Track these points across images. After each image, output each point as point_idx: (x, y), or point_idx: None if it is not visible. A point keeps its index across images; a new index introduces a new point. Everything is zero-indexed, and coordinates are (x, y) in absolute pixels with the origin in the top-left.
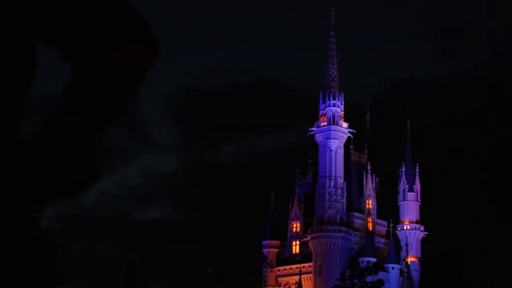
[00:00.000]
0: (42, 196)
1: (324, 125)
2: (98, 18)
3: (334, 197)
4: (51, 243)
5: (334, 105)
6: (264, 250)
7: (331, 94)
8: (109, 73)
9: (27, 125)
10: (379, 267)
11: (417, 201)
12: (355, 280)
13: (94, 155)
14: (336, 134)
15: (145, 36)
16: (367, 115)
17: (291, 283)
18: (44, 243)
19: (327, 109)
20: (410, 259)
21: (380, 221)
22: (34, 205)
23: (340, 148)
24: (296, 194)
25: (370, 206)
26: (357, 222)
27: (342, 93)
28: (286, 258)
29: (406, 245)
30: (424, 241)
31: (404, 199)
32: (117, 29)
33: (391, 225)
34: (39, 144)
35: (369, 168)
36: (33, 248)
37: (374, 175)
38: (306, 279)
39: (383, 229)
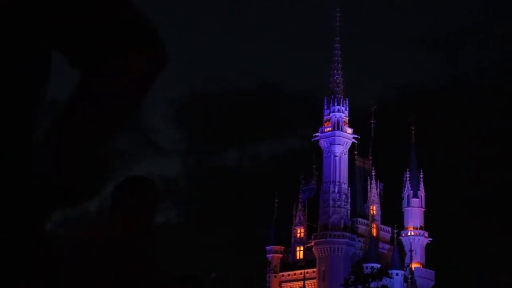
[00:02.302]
0: (49, 203)
1: (329, 131)
2: (107, 25)
3: (338, 202)
4: (55, 248)
5: (338, 111)
6: (268, 256)
7: (336, 100)
8: (116, 79)
9: (34, 131)
10: (383, 273)
11: (422, 207)
12: (359, 286)
13: (101, 161)
14: (340, 140)
15: (154, 44)
16: (372, 121)
17: None
18: (48, 247)
19: (331, 114)
20: (414, 265)
21: (384, 227)
22: (41, 211)
23: (345, 154)
24: (300, 200)
25: (374, 212)
26: (361, 228)
27: (347, 98)
28: (290, 264)
29: (410, 251)
30: (428, 247)
31: (408, 205)
32: (126, 36)
33: (395, 231)
34: (46, 150)
35: (373, 173)
36: (37, 253)
37: (378, 181)
38: (310, 284)
39: (387, 235)
